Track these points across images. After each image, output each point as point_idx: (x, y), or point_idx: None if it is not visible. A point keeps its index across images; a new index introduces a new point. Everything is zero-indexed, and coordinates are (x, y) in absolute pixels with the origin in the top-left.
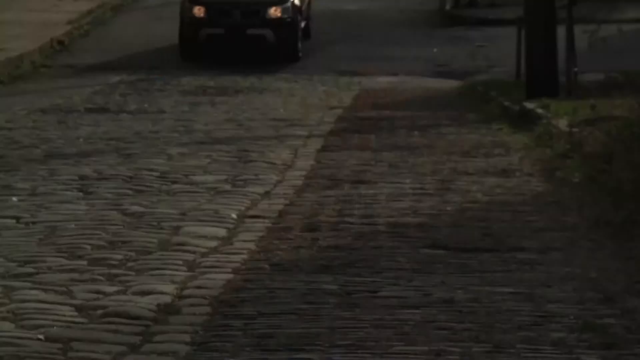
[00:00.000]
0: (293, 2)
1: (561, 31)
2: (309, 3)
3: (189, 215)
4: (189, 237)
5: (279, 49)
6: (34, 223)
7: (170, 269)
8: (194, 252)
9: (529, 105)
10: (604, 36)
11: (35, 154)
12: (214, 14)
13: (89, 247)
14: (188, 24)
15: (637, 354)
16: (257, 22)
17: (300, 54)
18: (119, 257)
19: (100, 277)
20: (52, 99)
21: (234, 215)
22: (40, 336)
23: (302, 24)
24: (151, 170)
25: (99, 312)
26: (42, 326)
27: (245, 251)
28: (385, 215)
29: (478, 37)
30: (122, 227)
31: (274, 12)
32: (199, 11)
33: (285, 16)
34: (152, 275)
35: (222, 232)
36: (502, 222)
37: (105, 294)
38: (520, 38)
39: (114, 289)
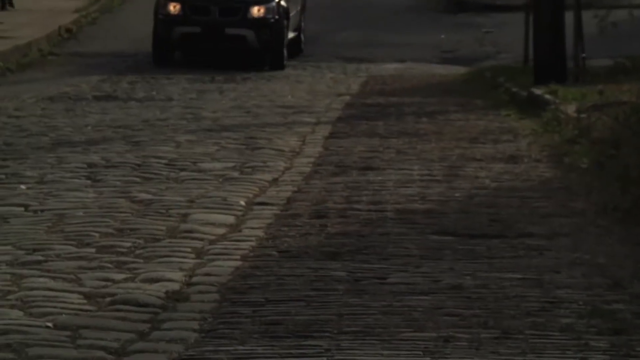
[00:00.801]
0: (279, 2)
1: (569, 16)
2: (301, 12)
3: (197, 202)
4: (197, 225)
5: (261, 53)
6: (42, 211)
7: (179, 257)
8: (202, 240)
9: (537, 91)
10: (614, 21)
11: (43, 141)
12: (189, 10)
13: (97, 234)
14: (161, 22)
15: None
16: (238, 22)
17: (285, 62)
18: (127, 244)
19: (109, 265)
20: (60, 86)
21: (242, 203)
22: (49, 324)
23: (291, 34)
24: (159, 157)
25: (108, 299)
26: (51, 314)
27: (253, 238)
28: (393, 201)
29: (485, 23)
30: (130, 214)
31: (257, 11)
32: (173, 8)
33: (269, 17)
34: (160, 262)
35: (230, 220)
36: (510, 208)
37: (113, 281)
38: (528, 24)
39: (122, 276)
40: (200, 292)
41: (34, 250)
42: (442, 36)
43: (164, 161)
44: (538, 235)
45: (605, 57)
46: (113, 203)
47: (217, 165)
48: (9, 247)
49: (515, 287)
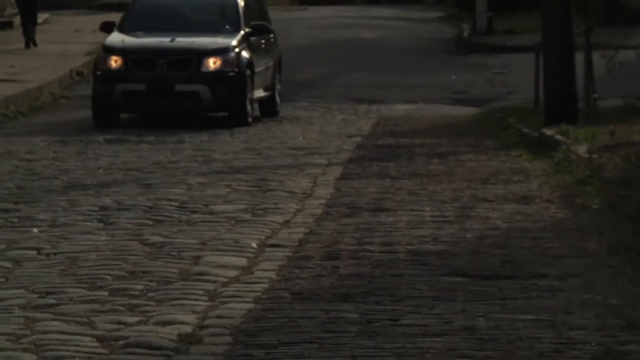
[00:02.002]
0: (239, 52)
1: (579, 57)
2: (275, 69)
3: (209, 244)
4: (210, 267)
5: (218, 111)
6: (54, 254)
7: (191, 299)
8: (215, 282)
9: (548, 131)
10: (622, 61)
11: (55, 184)
12: (133, 65)
13: (109, 277)
14: (101, 78)
15: None
16: (190, 76)
17: (250, 119)
18: (140, 287)
19: (122, 308)
20: (71, 130)
21: (254, 245)
22: None
23: (261, 92)
24: (171, 200)
25: (121, 342)
26: (64, 357)
27: (265, 280)
28: (405, 243)
29: (496, 64)
30: (142, 257)
31: (212, 63)
32: (114, 62)
33: (228, 69)
34: (173, 305)
35: (242, 262)
36: (522, 249)
37: (126, 324)
38: (539, 64)
39: (135, 319)
40: (213, 334)
41: (47, 293)
42: (453, 77)
43: (175, 204)
44: (550, 276)
45: (614, 97)
46: (125, 246)
47: (229, 207)
48: (22, 291)
49: (528, 328)
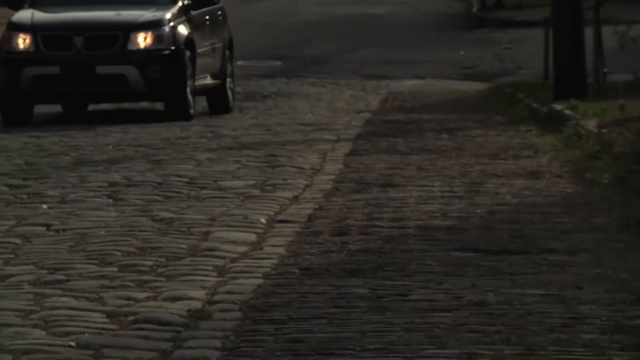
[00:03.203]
0: (175, 27)
1: (589, 32)
2: (224, 51)
3: (218, 220)
4: (219, 243)
5: (152, 99)
6: (64, 230)
7: (200, 275)
8: (224, 258)
9: (557, 106)
10: (634, 36)
11: (64, 161)
12: (44, 44)
13: (119, 253)
14: (6, 62)
15: None
16: (114, 56)
17: (192, 111)
18: (149, 263)
19: (131, 284)
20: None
21: (263, 220)
22: (72, 343)
23: (208, 80)
24: (180, 176)
25: (130, 318)
26: (73, 333)
27: (275, 256)
28: (414, 218)
29: (504, 39)
30: (151, 233)
31: (143, 40)
32: (23, 42)
33: (161, 47)
34: (182, 281)
35: (251, 237)
36: (532, 224)
37: (135, 300)
38: (548, 39)
39: (145, 295)
40: (222, 310)
41: (56, 269)
42: (462, 52)
43: (184, 179)
44: (560, 251)
45: (625, 72)
46: (134, 222)
47: (238, 183)
48: (31, 267)
49: (537, 303)
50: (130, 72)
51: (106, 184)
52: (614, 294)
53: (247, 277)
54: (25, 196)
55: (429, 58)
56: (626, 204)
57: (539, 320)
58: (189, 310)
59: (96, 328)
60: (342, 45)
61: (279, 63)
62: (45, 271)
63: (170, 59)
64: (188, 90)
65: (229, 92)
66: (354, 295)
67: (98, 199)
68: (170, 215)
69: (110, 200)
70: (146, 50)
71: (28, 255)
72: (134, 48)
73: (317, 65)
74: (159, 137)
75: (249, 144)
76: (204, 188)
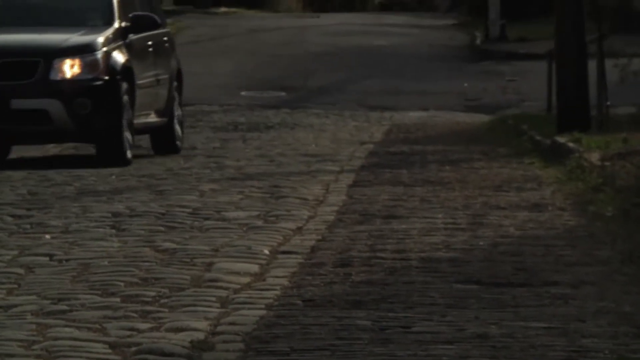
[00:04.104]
0: (109, 53)
1: (592, 65)
2: (171, 84)
3: (221, 251)
4: (222, 274)
5: (80, 139)
6: (67, 260)
7: (203, 306)
8: (227, 289)
9: (561, 139)
10: (636, 69)
11: (68, 191)
12: None
13: (122, 284)
14: None
15: None
16: (33, 87)
17: (129, 155)
18: (152, 293)
19: (134, 314)
20: None
21: (266, 251)
22: None
23: (152, 117)
24: (183, 206)
25: (133, 349)
26: None
27: (277, 287)
28: (417, 250)
29: (508, 71)
30: (154, 263)
31: (69, 67)
32: None
33: (91, 77)
34: (185, 312)
35: (254, 268)
36: (535, 257)
37: (138, 330)
38: (551, 71)
39: (148, 325)
40: (225, 341)
41: (59, 299)
42: (466, 84)
43: (188, 210)
44: (563, 284)
45: (628, 104)
46: (138, 252)
47: (241, 214)
48: (33, 297)
49: (540, 336)
50: (53, 106)
51: (109, 214)
52: (618, 327)
53: (249, 308)
54: (28, 226)
55: (433, 90)
56: (630, 236)
57: (542, 354)
58: (191, 341)
59: (99, 359)
60: (347, 76)
61: (283, 94)
62: (48, 301)
63: (103, 91)
64: (125, 129)
65: (177, 130)
66: (356, 327)
67: (101, 229)
68: (174, 245)
69: (114, 231)
70: (73, 80)
71: (31, 285)
72: (58, 78)
73: (321, 96)
74: (162, 168)
75: (252, 174)
76: (207, 219)
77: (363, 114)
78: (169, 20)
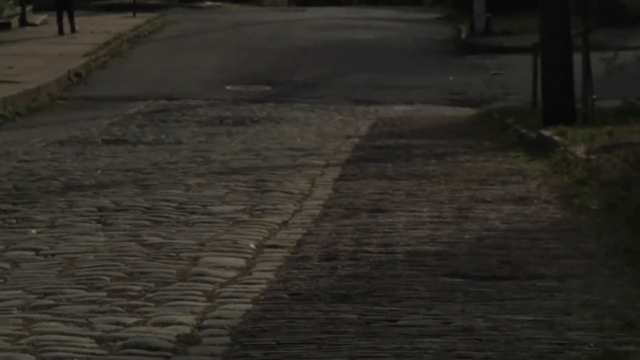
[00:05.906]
0: None
1: (577, 58)
2: None
3: (207, 245)
4: (208, 268)
5: None
6: (53, 255)
7: (190, 300)
8: (213, 283)
9: (546, 132)
10: (621, 63)
11: (53, 185)
12: None
13: (108, 278)
14: None
15: None
16: None
17: None
18: (138, 288)
19: (120, 309)
20: (69, 131)
21: (252, 245)
22: None
23: None
24: (169, 201)
25: (119, 343)
26: (62, 358)
27: (264, 281)
28: (403, 243)
29: (494, 65)
30: (140, 258)
31: None
32: None
33: None
34: (171, 306)
35: (240, 262)
36: (521, 250)
37: (124, 325)
38: (537, 65)
39: (134, 320)
40: (212, 335)
41: (45, 294)
42: (451, 78)
43: (173, 204)
44: (549, 277)
45: (613, 98)
46: (123, 247)
47: (227, 208)
48: (20, 292)
49: (526, 329)
50: None
51: (95, 209)
52: (603, 320)
53: (236, 302)
54: (14, 221)
55: (418, 84)
56: (615, 230)
57: (527, 346)
58: (178, 336)
59: (85, 353)
60: (332, 71)
61: (268, 88)
62: (34, 296)
63: None
64: None
65: None
66: (342, 321)
67: (87, 224)
68: (160, 240)
69: (99, 225)
70: None
71: (17, 280)
72: None
73: (307, 90)
74: (148, 162)
75: (238, 168)
76: (193, 213)
77: (348, 108)
78: (154, 15)
